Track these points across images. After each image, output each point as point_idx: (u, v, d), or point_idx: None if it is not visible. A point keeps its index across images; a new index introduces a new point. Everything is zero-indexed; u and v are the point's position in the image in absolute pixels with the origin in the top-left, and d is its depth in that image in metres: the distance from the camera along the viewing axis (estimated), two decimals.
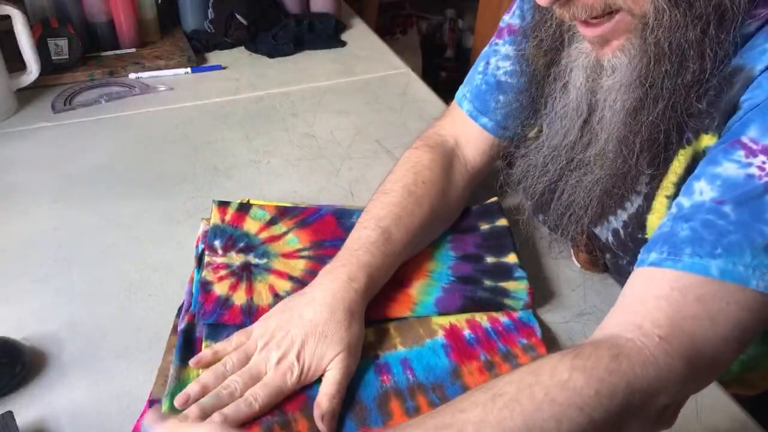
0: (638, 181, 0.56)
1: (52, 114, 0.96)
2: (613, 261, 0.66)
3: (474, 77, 0.72)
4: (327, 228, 0.71)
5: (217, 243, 0.66)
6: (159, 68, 1.08)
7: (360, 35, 1.27)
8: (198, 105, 1.00)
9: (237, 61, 1.14)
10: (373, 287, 0.61)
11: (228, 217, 0.70)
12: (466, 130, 0.73)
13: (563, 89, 0.57)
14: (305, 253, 0.67)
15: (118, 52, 1.11)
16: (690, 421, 0.55)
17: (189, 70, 1.09)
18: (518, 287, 0.64)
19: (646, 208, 0.56)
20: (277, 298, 0.61)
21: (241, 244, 0.67)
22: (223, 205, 0.72)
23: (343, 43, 1.22)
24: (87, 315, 0.62)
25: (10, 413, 0.50)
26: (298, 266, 0.65)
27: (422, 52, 2.38)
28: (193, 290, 0.62)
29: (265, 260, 0.65)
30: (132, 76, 1.06)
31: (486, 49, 0.72)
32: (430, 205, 0.68)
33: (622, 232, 0.60)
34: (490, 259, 0.67)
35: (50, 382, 0.56)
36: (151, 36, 1.15)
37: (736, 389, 0.66)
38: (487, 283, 0.64)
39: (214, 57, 1.15)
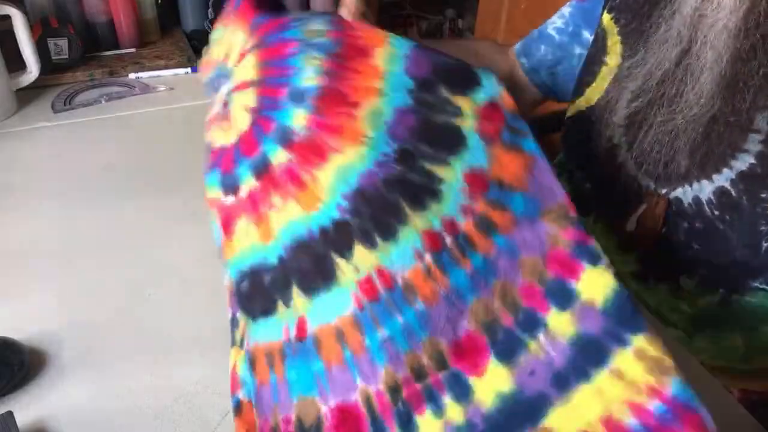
0: (747, 139, 0.56)
1: (52, 114, 0.96)
2: (674, 233, 0.64)
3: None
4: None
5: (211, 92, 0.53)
6: (159, 68, 1.08)
7: None
8: (198, 105, 1.00)
9: None
10: None
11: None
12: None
13: (670, 16, 0.58)
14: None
15: (118, 52, 1.11)
16: None
17: (189, 70, 1.09)
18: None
19: (764, 169, 0.56)
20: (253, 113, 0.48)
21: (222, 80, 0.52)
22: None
23: None
24: (87, 315, 0.62)
25: (10, 413, 0.49)
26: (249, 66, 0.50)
27: None
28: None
29: (230, 84, 0.51)
30: (132, 76, 1.06)
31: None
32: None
33: (733, 190, 0.58)
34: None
35: (50, 382, 0.56)
36: (151, 36, 1.15)
37: (747, 384, 0.65)
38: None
39: None
